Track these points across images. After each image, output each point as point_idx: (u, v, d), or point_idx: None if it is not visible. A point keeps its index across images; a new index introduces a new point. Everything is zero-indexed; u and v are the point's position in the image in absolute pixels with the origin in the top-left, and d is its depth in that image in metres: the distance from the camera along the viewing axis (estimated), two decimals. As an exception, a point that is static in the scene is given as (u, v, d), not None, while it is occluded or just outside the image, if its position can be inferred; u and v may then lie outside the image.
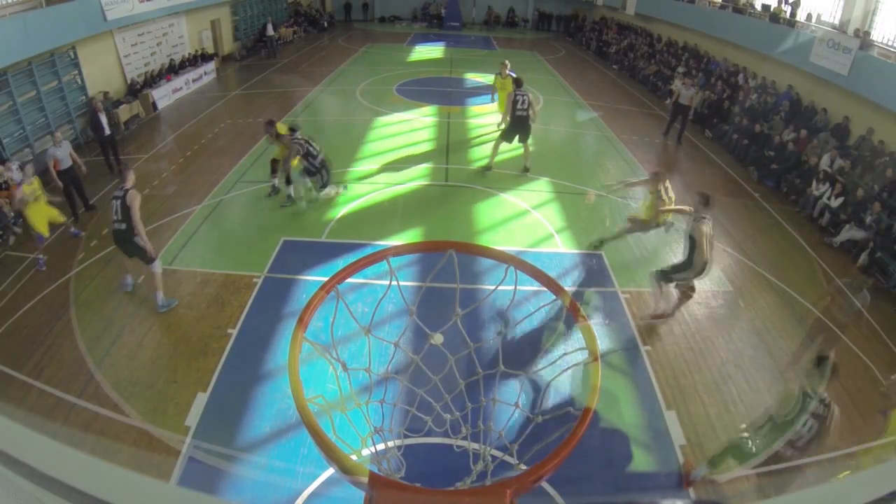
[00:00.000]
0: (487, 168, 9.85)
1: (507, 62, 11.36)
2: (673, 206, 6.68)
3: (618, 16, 22.95)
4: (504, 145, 9.77)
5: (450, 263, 2.10)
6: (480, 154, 10.95)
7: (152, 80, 13.92)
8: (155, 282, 6.09)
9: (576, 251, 7.61)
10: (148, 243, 5.93)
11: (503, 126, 10.93)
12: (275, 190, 8.79)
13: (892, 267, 7.53)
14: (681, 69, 16.20)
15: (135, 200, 5.74)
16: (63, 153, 7.97)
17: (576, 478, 4.32)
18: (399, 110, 13.41)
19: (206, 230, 7.99)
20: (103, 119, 9.55)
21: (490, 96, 12.04)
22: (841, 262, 8.10)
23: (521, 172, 9.88)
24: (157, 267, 6.05)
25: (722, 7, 16.34)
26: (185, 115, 13.34)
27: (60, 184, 7.94)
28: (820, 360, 3.52)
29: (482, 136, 12.00)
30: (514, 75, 11.11)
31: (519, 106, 9.47)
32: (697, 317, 6.43)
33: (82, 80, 11.74)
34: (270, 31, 19.38)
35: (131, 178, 5.90)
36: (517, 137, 9.68)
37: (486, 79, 17.02)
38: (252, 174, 9.81)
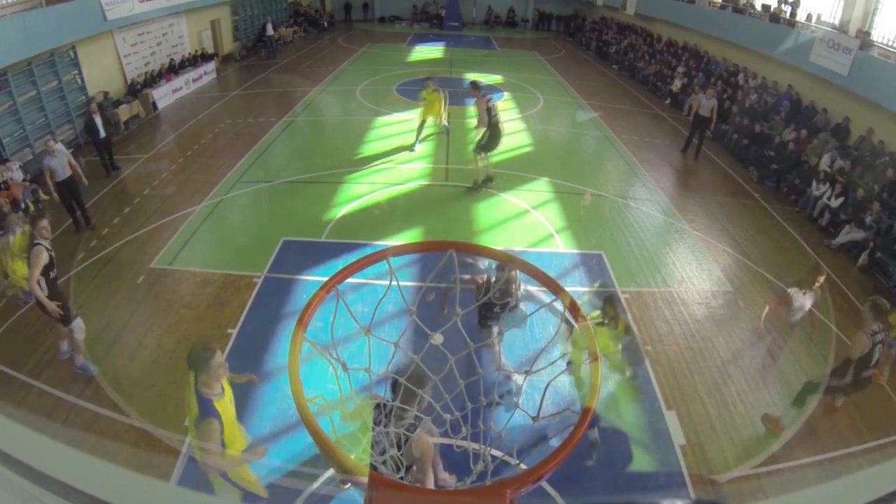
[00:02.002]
0: (482, 184, 9.20)
1: (432, 78, 10.83)
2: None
3: (618, 16, 22.95)
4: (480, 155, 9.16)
5: (450, 263, 2.10)
6: (480, 154, 10.94)
7: (152, 79, 13.91)
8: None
9: (576, 251, 7.61)
10: (48, 304, 4.82)
11: (435, 129, 10.85)
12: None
13: (892, 267, 7.53)
14: (681, 69, 16.20)
15: (34, 257, 4.75)
16: (59, 163, 7.34)
17: (576, 478, 4.32)
18: (399, 110, 13.40)
19: (206, 230, 7.99)
20: (98, 121, 9.41)
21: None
22: (841, 262, 8.10)
23: (479, 186, 9.18)
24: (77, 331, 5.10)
25: (722, 7, 16.34)
26: (185, 115, 13.34)
27: (57, 196, 7.45)
28: (875, 305, 4.58)
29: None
30: (439, 90, 10.57)
31: (494, 113, 8.75)
32: (697, 317, 6.43)
33: (82, 79, 11.74)
34: (270, 31, 19.37)
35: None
36: (494, 148, 9.08)
37: (486, 79, 17.04)
38: (252, 174, 9.81)
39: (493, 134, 8.85)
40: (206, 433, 2.97)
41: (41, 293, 4.74)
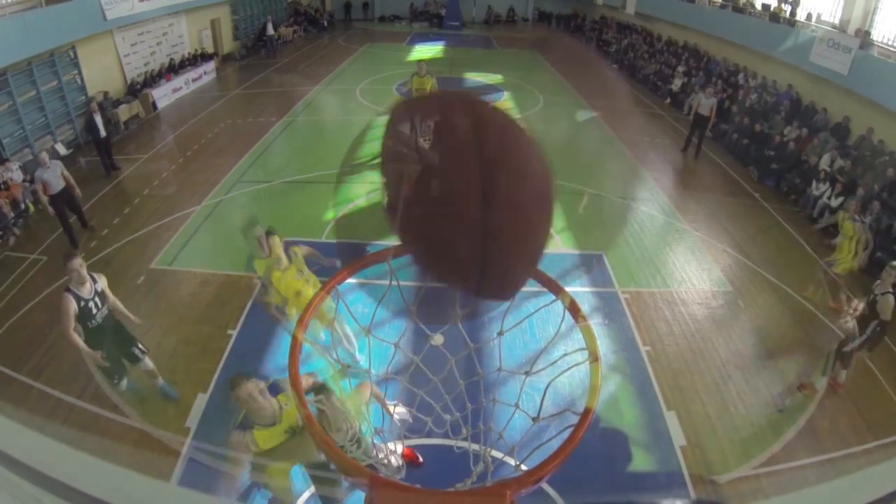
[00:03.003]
0: None
1: (423, 61, 10.24)
2: None
3: (618, 15, 22.93)
4: None
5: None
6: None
7: (152, 79, 13.91)
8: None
9: (576, 251, 7.61)
10: (90, 356, 4.31)
11: None
12: None
13: (892, 267, 7.51)
14: (681, 68, 16.20)
15: (61, 306, 4.23)
16: (52, 175, 6.99)
17: (576, 478, 4.32)
18: (399, 110, 13.39)
19: (206, 230, 7.99)
20: (98, 121, 9.37)
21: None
22: (841, 261, 8.09)
23: None
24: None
25: (722, 7, 16.34)
26: (184, 114, 13.34)
27: (52, 210, 7.05)
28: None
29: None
30: (431, 75, 9.79)
31: None
32: (697, 317, 6.43)
33: (82, 79, 11.74)
34: (270, 31, 19.37)
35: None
36: None
37: (487, 78, 17.03)
38: (252, 174, 9.81)
39: None
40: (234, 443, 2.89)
41: (79, 342, 4.18)
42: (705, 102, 11.09)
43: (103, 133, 9.55)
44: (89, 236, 7.69)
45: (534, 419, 2.15)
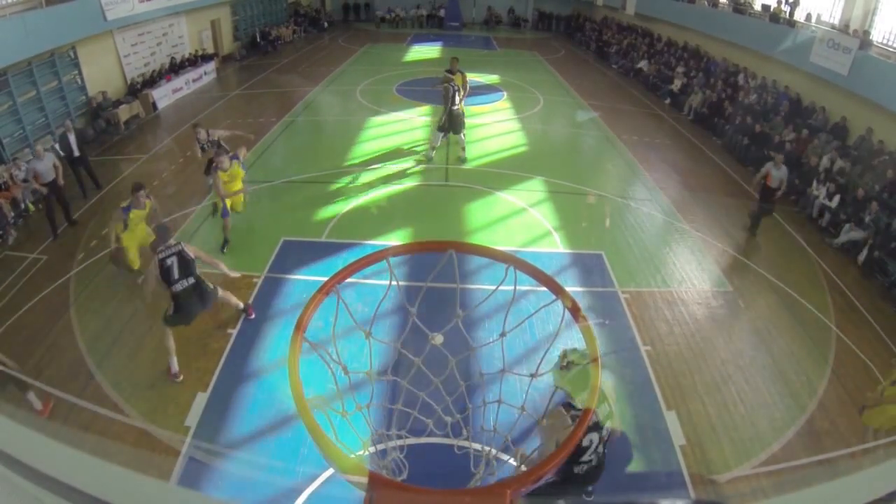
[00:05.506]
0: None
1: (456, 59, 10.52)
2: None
3: (618, 16, 22.94)
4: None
5: (450, 263, 2.10)
6: (480, 153, 10.94)
7: (152, 79, 13.91)
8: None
9: (576, 251, 7.61)
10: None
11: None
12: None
13: (892, 267, 7.52)
14: (680, 69, 16.20)
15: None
16: (45, 166, 7.67)
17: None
18: (399, 110, 13.40)
19: (206, 230, 7.99)
20: (73, 140, 8.78)
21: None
22: (841, 262, 8.09)
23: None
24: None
25: (713, 5, 16.36)
26: (184, 115, 13.33)
27: (53, 196, 7.72)
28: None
29: (482, 136, 12.01)
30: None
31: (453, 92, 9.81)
32: (697, 317, 6.43)
33: (82, 80, 11.75)
34: (273, 33, 19.38)
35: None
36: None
37: (486, 79, 17.04)
38: (252, 174, 9.79)
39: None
40: None
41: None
42: (776, 174, 8.33)
43: (77, 153, 8.87)
44: (88, 236, 7.65)
45: (538, 421, 2.15)
